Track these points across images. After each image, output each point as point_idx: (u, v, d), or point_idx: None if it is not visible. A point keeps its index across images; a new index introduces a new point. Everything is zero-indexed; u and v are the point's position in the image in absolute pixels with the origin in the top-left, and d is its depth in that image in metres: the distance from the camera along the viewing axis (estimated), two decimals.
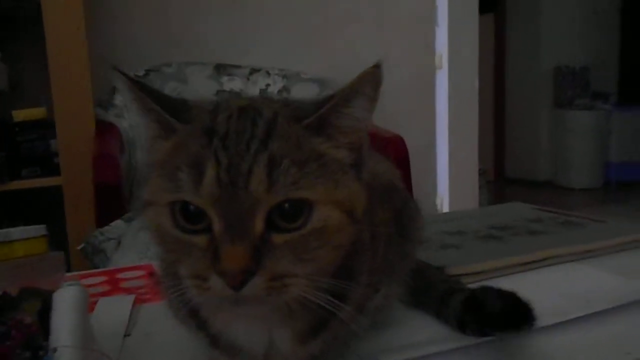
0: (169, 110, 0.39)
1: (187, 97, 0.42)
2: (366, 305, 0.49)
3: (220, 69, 2.07)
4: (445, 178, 2.61)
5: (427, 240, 0.91)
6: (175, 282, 0.41)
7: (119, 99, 1.85)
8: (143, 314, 0.69)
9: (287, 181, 0.35)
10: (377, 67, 0.38)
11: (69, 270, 0.90)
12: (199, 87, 2.01)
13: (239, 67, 2.09)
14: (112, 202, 1.33)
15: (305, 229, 0.36)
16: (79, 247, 1.18)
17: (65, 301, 0.47)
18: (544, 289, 0.67)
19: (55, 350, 0.43)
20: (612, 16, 4.78)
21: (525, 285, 0.59)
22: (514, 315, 0.50)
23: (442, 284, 0.63)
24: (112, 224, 1.18)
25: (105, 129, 1.64)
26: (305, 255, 0.36)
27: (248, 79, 2.07)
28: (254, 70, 2.10)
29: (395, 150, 1.58)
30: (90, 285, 0.78)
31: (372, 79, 0.38)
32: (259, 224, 0.35)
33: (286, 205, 0.35)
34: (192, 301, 0.42)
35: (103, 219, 1.24)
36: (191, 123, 0.38)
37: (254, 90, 2.05)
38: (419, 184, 2.24)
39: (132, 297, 0.72)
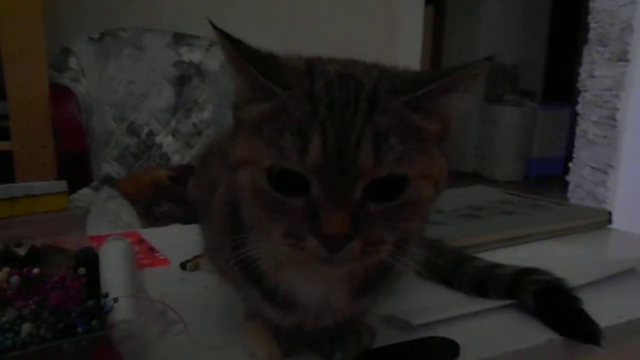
0: (266, 73, 0.38)
1: (276, 52, 0.41)
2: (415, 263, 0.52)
3: (179, 38, 2.01)
4: None
5: None
6: (239, 238, 0.42)
7: (73, 62, 1.75)
8: (148, 278, 0.68)
9: (393, 157, 0.36)
10: (488, 60, 0.38)
11: None
12: (157, 56, 1.94)
13: (198, 37, 2.03)
14: (77, 169, 1.26)
15: (400, 200, 0.37)
16: None
17: (115, 255, 0.46)
18: (528, 262, 0.73)
19: (116, 300, 0.42)
20: (542, 17, 5.08)
21: (509, 260, 0.65)
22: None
23: (449, 254, 0.67)
24: (80, 191, 1.13)
25: (61, 94, 1.55)
26: (397, 224, 0.38)
27: (207, 50, 2.02)
28: (213, 42, 2.05)
29: None
30: None
31: (480, 72, 0.38)
32: (359, 192, 0.36)
33: (386, 178, 0.36)
34: (255, 257, 0.43)
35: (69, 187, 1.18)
36: (290, 87, 0.38)
37: (212, 64, 2.01)
38: None
39: None
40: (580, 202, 2.35)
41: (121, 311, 0.42)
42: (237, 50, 0.39)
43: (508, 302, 0.59)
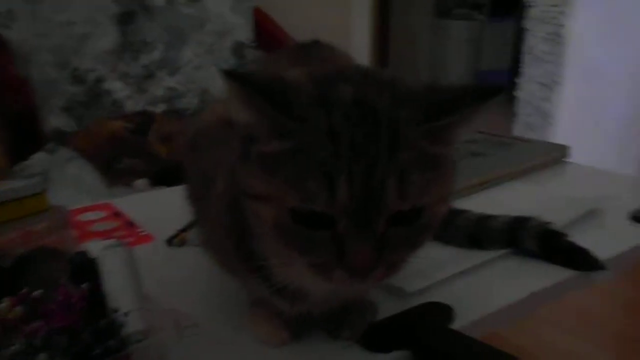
0: (279, 106, 0.36)
1: (280, 76, 0.38)
2: None
3: None
4: None
5: None
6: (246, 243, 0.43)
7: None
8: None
9: (415, 192, 0.36)
10: (499, 90, 0.38)
11: None
12: None
13: None
14: (26, 130, 1.18)
15: (417, 224, 0.39)
16: None
17: (117, 264, 0.46)
18: (503, 206, 0.77)
19: (127, 314, 0.42)
20: None
21: (486, 205, 0.69)
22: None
23: None
24: (34, 156, 1.07)
25: None
26: (415, 243, 0.40)
27: None
28: None
29: None
30: None
31: (492, 101, 0.38)
32: (382, 227, 0.37)
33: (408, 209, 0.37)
34: (263, 256, 0.43)
35: (19, 151, 1.11)
36: (306, 120, 0.36)
37: None
38: None
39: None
40: (527, 118, 2.45)
41: (134, 325, 0.42)
42: (249, 89, 0.36)
43: (504, 251, 0.64)
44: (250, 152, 0.38)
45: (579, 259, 0.62)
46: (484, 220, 0.66)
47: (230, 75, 0.36)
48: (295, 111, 0.36)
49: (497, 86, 0.38)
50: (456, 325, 0.52)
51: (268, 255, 0.43)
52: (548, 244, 0.63)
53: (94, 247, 0.48)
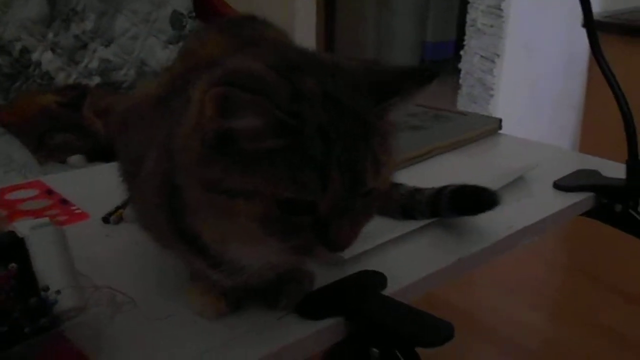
0: (280, 107, 0.37)
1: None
2: None
3: None
4: None
5: None
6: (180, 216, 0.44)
7: None
8: (69, 237, 0.66)
9: (385, 170, 0.41)
10: (436, 75, 0.42)
11: None
12: None
13: None
14: None
15: (378, 191, 0.43)
16: None
17: (46, 243, 0.45)
18: (435, 178, 0.80)
19: (59, 292, 0.42)
20: None
21: (422, 177, 0.72)
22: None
23: None
24: None
25: None
26: (374, 209, 0.44)
27: None
28: None
29: None
30: None
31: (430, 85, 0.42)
32: (360, 203, 0.41)
33: None
34: (198, 233, 0.44)
35: None
36: (299, 118, 0.38)
37: None
38: None
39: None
40: (470, 89, 2.52)
41: (66, 303, 0.41)
42: (252, 95, 0.37)
43: (430, 220, 0.67)
44: (226, 150, 0.39)
45: (482, 198, 0.64)
46: (414, 193, 0.69)
47: (227, 83, 0.36)
48: (286, 107, 0.37)
49: (434, 71, 0.42)
50: (388, 291, 0.55)
51: (205, 235, 0.44)
52: (457, 198, 0.66)
53: (22, 227, 0.46)
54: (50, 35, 1.72)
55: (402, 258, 0.62)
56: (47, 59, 1.70)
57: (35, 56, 1.69)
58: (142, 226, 0.53)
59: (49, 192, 0.80)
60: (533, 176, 0.81)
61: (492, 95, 2.46)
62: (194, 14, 1.91)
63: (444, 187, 0.68)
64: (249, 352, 0.46)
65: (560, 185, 0.79)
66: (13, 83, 1.65)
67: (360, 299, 0.52)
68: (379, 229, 0.66)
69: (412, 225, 0.67)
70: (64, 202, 0.77)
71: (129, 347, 0.46)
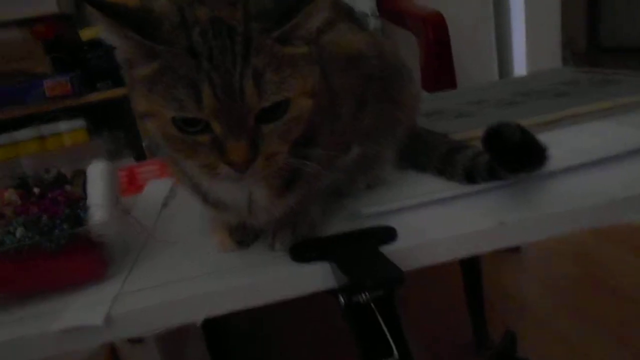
0: (146, 34, 0.42)
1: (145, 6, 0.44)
2: (334, 162, 0.56)
3: None
4: (522, 54, 2.46)
5: (442, 111, 0.94)
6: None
7: None
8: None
9: (272, 89, 0.42)
10: None
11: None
12: None
13: None
14: None
15: (285, 118, 0.44)
16: (144, 144, 1.33)
17: (96, 172, 0.59)
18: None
19: (89, 207, 0.55)
20: None
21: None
22: (529, 152, 0.54)
23: (444, 145, 0.67)
24: None
25: None
26: (287, 136, 0.46)
27: None
28: None
29: (433, 28, 1.51)
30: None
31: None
32: (251, 122, 0.43)
33: (271, 105, 0.43)
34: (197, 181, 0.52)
35: None
36: (171, 43, 0.42)
37: None
38: (475, 62, 2.12)
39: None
40: None
41: (96, 218, 0.54)
42: (113, 18, 0.42)
43: (466, 189, 0.60)
44: (132, 76, 0.45)
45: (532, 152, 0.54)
46: (477, 155, 0.61)
47: (99, 6, 0.42)
48: (160, 36, 0.42)
49: None
50: (398, 245, 0.52)
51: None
52: (498, 150, 0.55)
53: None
54: None
55: (435, 218, 0.56)
56: None
57: None
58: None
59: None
60: None
61: None
62: None
63: (460, 149, 0.62)
64: (242, 281, 0.51)
65: None
66: None
67: (347, 248, 0.51)
68: (410, 188, 0.63)
69: (439, 190, 0.60)
70: None
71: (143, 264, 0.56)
